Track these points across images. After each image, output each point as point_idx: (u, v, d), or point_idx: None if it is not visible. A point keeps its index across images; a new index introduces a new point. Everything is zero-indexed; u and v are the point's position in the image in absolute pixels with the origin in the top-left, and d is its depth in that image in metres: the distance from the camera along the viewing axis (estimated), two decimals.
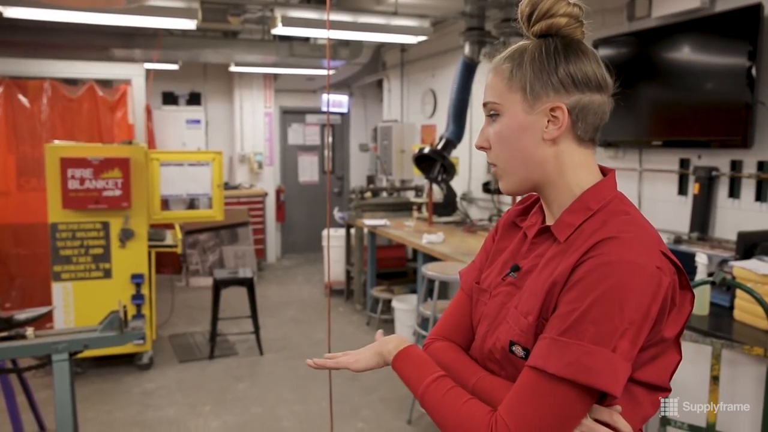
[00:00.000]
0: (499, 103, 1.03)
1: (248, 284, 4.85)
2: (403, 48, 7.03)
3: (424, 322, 3.97)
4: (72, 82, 5.60)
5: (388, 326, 5.35)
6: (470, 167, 5.86)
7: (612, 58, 3.89)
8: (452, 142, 4.97)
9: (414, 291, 5.50)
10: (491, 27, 4.70)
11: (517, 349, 1.00)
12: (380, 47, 7.50)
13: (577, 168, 1.03)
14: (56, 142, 4.45)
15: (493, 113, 1.05)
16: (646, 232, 0.95)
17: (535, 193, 1.14)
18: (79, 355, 2.71)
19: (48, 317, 3.94)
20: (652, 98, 3.72)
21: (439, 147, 4.95)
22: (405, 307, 5.04)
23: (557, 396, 0.90)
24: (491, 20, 4.81)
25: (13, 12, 4.15)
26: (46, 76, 5.28)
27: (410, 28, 5.10)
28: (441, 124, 6.07)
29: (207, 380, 4.39)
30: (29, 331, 2.55)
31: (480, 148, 1.08)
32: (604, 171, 1.07)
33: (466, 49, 4.66)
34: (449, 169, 5.11)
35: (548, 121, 1.00)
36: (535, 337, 0.96)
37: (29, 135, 5.23)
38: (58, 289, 4.23)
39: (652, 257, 0.91)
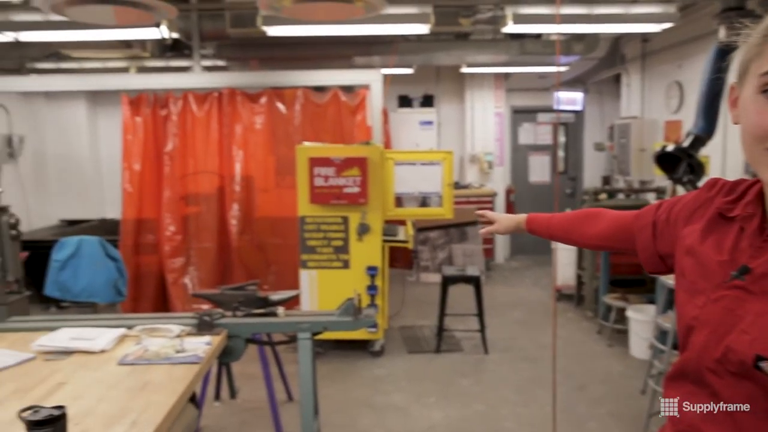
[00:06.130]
0: None
1: (475, 282, 4.90)
2: (644, 38, 6.50)
3: (661, 335, 3.62)
4: (319, 89, 6.15)
5: (622, 336, 4.99)
6: (723, 167, 5.21)
7: None
8: (701, 139, 4.44)
9: (651, 301, 5.04)
10: (755, 5, 4.12)
11: (767, 366, 0.86)
12: (618, 39, 7.03)
13: None
14: (305, 143, 4.92)
15: None
16: None
17: (749, 179, 1.02)
18: (320, 337, 2.96)
19: (296, 300, 4.40)
20: None
21: (685, 144, 4.47)
22: (641, 317, 4.65)
23: None
24: None
25: (274, 31, 4.71)
26: (299, 85, 5.86)
27: (653, 15, 4.70)
28: (688, 119, 5.50)
29: (432, 372, 4.52)
30: (280, 310, 2.86)
31: None
32: None
33: (721, 33, 4.14)
34: (696, 169, 4.58)
35: None
36: None
37: (284, 138, 5.85)
38: (304, 275, 4.70)
39: None
